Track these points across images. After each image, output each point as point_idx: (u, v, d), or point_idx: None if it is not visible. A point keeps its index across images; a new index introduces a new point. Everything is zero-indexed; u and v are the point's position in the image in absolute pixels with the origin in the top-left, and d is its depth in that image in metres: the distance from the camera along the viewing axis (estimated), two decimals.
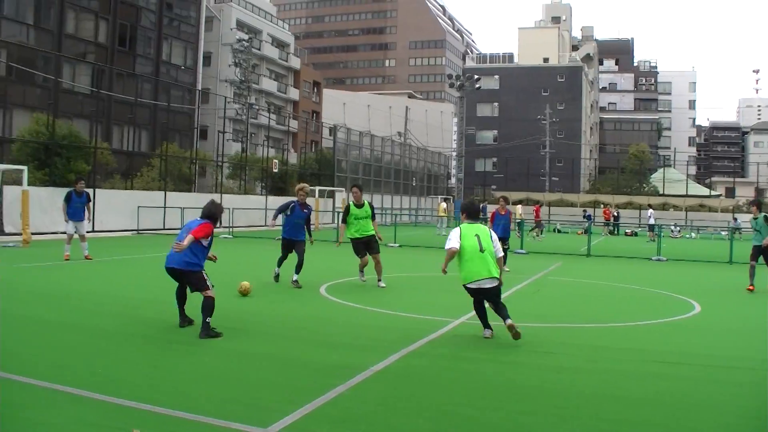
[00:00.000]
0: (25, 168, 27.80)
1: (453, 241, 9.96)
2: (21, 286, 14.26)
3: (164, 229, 35.89)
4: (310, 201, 48.82)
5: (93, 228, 32.48)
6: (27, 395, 6.62)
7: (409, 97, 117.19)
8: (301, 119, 79.64)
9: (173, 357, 8.56)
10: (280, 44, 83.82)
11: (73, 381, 7.08)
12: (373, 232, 16.00)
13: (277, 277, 16.02)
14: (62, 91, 45.86)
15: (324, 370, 7.98)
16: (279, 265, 16.06)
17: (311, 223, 16.44)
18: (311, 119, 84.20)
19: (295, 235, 15.82)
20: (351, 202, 16.31)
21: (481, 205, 23.30)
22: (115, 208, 33.97)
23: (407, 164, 73.32)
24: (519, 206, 51.87)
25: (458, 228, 10.13)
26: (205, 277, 9.93)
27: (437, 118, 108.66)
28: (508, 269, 19.71)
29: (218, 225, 10.76)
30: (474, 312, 10.25)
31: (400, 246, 30.48)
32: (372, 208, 16.23)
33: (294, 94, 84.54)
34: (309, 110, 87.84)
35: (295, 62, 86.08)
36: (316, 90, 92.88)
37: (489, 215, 19.08)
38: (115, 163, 40.42)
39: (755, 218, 17.18)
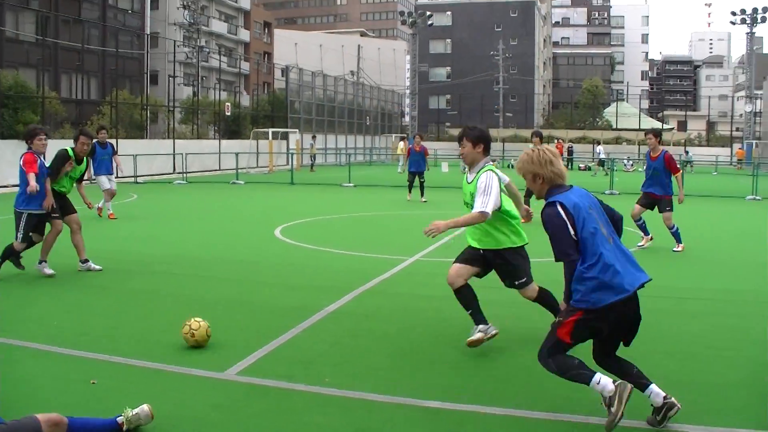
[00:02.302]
0: None
1: (495, 197, 6.48)
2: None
3: (117, 177, 35.63)
4: (264, 144, 48.86)
5: None
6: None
7: (361, 35, 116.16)
8: (253, 61, 78.71)
9: (130, 306, 8.49)
10: None
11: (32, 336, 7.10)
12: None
13: None
14: (6, 40, 44.93)
15: (280, 312, 8.12)
16: None
17: None
18: (263, 60, 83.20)
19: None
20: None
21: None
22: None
23: (360, 103, 73.23)
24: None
25: (493, 174, 6.57)
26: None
27: (390, 56, 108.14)
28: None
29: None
30: None
31: (355, 186, 30.71)
32: None
33: (245, 35, 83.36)
34: (260, 51, 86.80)
35: (245, 3, 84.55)
36: (267, 31, 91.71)
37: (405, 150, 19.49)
38: (64, 113, 39.78)
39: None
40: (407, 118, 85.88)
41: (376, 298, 9.00)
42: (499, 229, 6.69)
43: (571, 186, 5.14)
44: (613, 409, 4.60)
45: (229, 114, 50.77)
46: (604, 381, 4.72)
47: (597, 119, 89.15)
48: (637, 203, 13.44)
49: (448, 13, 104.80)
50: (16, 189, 10.21)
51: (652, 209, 13.21)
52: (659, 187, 13.06)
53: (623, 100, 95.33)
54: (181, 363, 6.27)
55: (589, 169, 51.65)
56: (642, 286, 4.82)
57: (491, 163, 6.81)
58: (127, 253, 12.37)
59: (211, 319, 7.08)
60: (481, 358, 6.62)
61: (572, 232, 4.81)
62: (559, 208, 4.89)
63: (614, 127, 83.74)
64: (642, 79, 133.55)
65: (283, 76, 65.36)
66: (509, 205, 6.80)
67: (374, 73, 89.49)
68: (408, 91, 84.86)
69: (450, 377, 6.08)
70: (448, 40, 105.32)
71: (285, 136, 53.59)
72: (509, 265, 6.75)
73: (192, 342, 6.62)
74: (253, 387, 5.74)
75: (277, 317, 7.89)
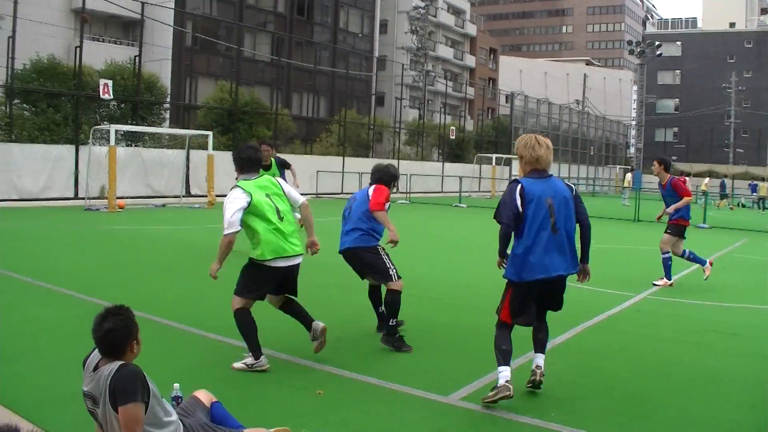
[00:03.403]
0: (210, 133, 28.65)
1: None
2: (206, 246, 14.50)
3: (342, 193, 36.24)
4: (487, 168, 48.11)
5: None
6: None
7: (586, 64, 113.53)
8: (478, 86, 78.59)
9: (356, 325, 8.37)
10: (456, 11, 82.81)
11: None
12: None
13: None
14: (244, 60, 46.93)
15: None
16: None
17: None
18: (488, 86, 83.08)
19: None
20: None
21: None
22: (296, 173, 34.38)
23: (585, 133, 71.34)
24: (707, 179, 48.70)
25: None
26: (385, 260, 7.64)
27: (616, 86, 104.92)
28: None
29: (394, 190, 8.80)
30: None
31: None
32: None
33: (470, 61, 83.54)
34: (485, 77, 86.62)
35: (471, 29, 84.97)
36: (492, 57, 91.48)
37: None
38: (295, 129, 41.03)
39: None
40: (632, 150, 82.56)
41: (602, 335, 8.56)
42: None
43: (551, 176, 5.94)
44: (491, 393, 5.61)
45: (453, 137, 50.68)
46: (505, 374, 5.65)
47: None
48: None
49: (678, 43, 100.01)
50: None
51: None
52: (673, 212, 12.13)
53: None
54: (405, 382, 6.19)
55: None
56: (561, 276, 5.90)
57: None
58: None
59: (438, 341, 7.46)
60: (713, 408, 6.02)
61: (518, 209, 5.70)
62: (517, 187, 5.78)
63: None
64: None
65: (507, 102, 64.79)
66: None
67: (599, 103, 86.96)
68: (634, 122, 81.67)
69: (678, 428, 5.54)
70: (677, 71, 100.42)
71: (508, 162, 52.72)
72: None
73: None
74: (476, 414, 5.58)
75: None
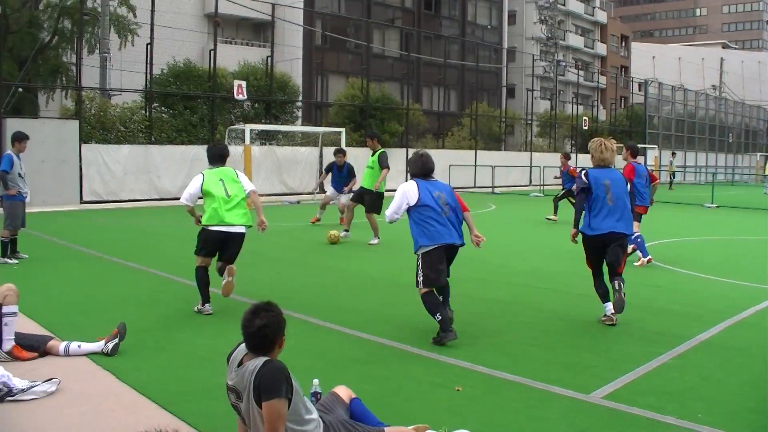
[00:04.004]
0: (342, 130, 28.77)
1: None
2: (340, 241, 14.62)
3: (475, 187, 35.77)
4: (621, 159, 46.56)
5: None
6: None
7: (723, 47, 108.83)
8: (610, 75, 76.50)
9: (494, 321, 8.23)
10: None
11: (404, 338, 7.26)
12: None
13: None
14: (373, 56, 47.00)
15: (645, 337, 7.52)
16: None
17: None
18: (620, 74, 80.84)
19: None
20: None
21: None
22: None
23: (723, 119, 68.44)
24: None
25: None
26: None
27: (755, 69, 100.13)
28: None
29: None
30: None
31: (717, 207, 27.62)
32: None
33: (601, 49, 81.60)
34: (617, 65, 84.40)
35: (602, 16, 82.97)
36: (623, 44, 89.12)
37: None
38: (426, 124, 40.81)
39: None
40: None
41: (750, 331, 7.97)
42: None
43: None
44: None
45: (586, 128, 49.47)
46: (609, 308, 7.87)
47: None
48: None
49: None
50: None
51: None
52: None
53: None
54: (546, 380, 6.01)
55: None
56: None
57: None
58: (487, 263, 12.04)
59: (577, 336, 7.48)
60: None
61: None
62: (583, 173, 8.01)
63: None
64: None
65: (640, 90, 63.02)
66: None
67: (737, 87, 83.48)
68: None
69: None
70: None
71: (643, 152, 51.00)
72: None
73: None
74: (619, 414, 5.32)
75: (643, 342, 7.33)
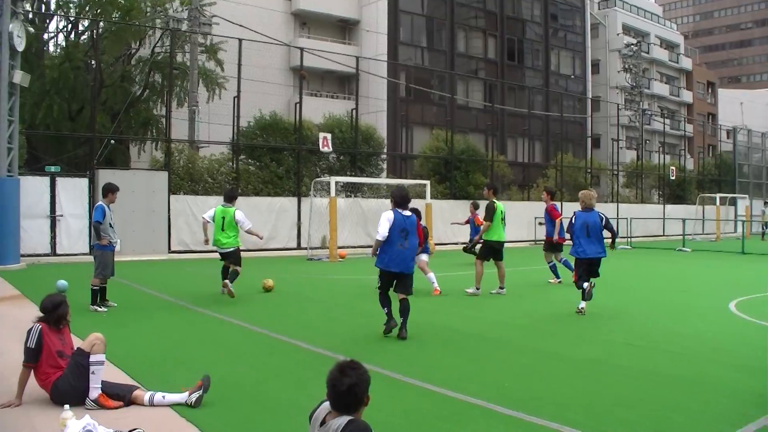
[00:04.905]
0: (427, 182, 28.60)
1: None
2: (429, 295, 14.52)
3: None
4: (711, 209, 45.34)
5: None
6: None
7: None
8: (697, 123, 75.02)
9: (579, 375, 8.03)
10: (669, 45, 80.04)
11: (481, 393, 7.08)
12: None
13: None
14: (457, 108, 47.11)
15: (740, 397, 7.14)
16: None
17: None
18: (707, 122, 79.21)
19: None
20: None
21: None
22: (512, 219, 33.65)
23: None
24: None
25: None
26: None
27: None
28: None
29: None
30: None
31: None
32: None
33: (687, 96, 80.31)
34: (704, 112, 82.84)
35: (686, 63, 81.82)
36: (710, 90, 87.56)
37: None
38: (511, 175, 40.41)
39: None
40: None
41: None
42: None
43: (593, 210, 12.60)
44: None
45: (673, 178, 48.38)
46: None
47: None
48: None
49: None
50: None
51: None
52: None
53: None
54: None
55: None
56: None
57: None
58: (574, 316, 11.99)
59: (664, 394, 7.09)
60: None
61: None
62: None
63: None
64: None
65: (729, 137, 61.49)
66: None
67: None
68: None
69: None
70: None
71: (733, 202, 49.71)
72: None
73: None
74: None
75: (737, 402, 6.94)
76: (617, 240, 13.52)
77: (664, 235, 43.69)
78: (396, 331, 9.92)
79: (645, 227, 41.66)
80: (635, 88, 64.13)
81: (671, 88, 77.64)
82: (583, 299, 12.14)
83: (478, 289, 14.66)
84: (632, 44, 66.12)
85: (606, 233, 12.46)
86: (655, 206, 46.50)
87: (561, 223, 16.79)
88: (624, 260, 25.64)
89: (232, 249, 14.04)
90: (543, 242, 17.98)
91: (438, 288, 14.98)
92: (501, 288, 14.96)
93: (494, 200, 14.84)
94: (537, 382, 7.58)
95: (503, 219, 14.81)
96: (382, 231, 9.90)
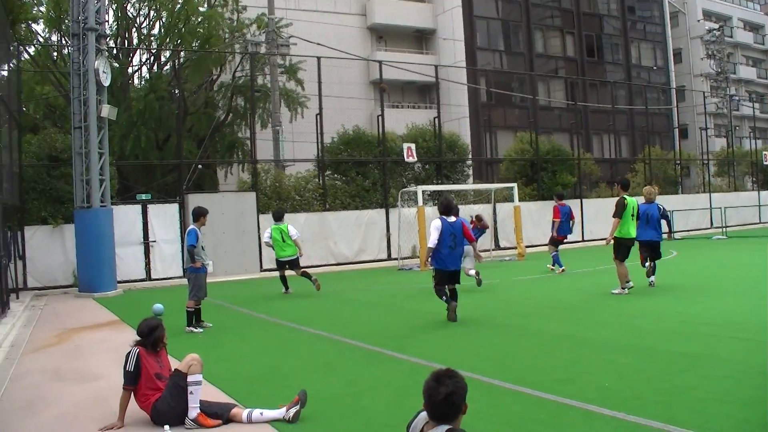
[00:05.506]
0: (514, 185, 28.43)
1: None
2: (522, 299, 14.39)
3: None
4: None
5: (582, 237, 32.35)
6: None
7: None
8: None
9: (680, 371, 7.72)
10: (753, 27, 77.60)
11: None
12: None
13: None
14: (540, 108, 46.64)
15: None
16: None
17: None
18: None
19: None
20: None
21: None
22: (603, 217, 33.17)
23: None
24: None
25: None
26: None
27: None
28: None
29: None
30: None
31: None
32: None
33: None
34: None
35: None
36: None
37: None
38: (599, 172, 39.83)
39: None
40: None
41: None
42: None
43: (654, 202, 15.17)
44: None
45: (767, 163, 46.84)
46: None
47: None
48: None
49: None
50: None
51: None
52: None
53: None
54: None
55: None
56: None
57: None
58: (667, 312, 11.83)
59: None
60: None
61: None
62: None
63: None
64: None
65: None
66: None
67: None
68: None
69: None
70: None
71: None
72: None
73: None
74: None
75: None
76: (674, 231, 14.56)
77: (760, 222, 42.53)
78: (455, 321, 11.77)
79: (740, 216, 40.65)
80: (720, 74, 62.42)
81: (758, 71, 75.24)
82: (647, 276, 15.04)
83: (623, 288, 14.25)
84: (714, 29, 64.37)
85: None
86: (749, 194, 45.17)
87: (561, 223, 20.17)
88: (721, 251, 24.96)
89: (295, 257, 17.33)
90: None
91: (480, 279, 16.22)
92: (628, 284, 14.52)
93: (624, 196, 14.42)
94: (637, 381, 7.35)
95: (633, 215, 14.40)
96: (433, 239, 11.62)
